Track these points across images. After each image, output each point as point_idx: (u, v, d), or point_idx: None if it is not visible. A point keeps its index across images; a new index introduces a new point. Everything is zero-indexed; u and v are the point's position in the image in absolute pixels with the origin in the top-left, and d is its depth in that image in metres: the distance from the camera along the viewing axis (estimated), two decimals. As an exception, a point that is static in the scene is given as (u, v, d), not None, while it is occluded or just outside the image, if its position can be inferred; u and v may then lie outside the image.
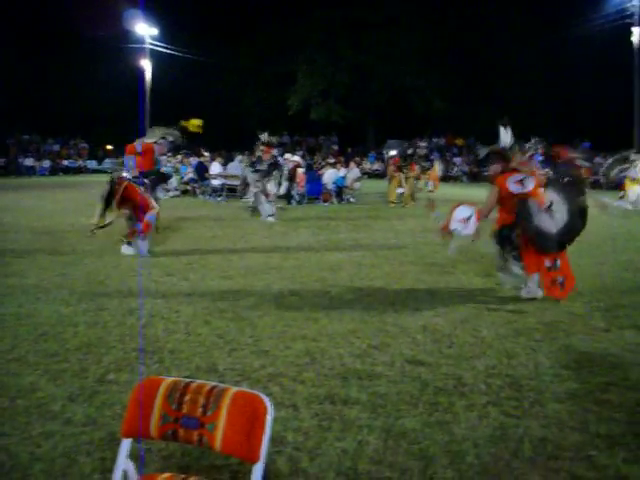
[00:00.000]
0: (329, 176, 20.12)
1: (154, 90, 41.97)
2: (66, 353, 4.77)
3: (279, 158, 14.60)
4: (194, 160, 24.54)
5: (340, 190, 19.83)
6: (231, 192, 20.25)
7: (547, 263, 6.61)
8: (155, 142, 9.99)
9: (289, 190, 18.61)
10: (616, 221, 13.98)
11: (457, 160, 41.09)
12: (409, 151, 21.61)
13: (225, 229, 12.42)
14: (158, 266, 8.24)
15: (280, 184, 14.51)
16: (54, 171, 39.08)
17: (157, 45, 42.08)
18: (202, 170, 21.80)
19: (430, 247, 9.91)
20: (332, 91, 47.03)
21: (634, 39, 30.68)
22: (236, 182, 20.02)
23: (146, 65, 41.66)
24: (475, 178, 35.97)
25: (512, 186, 6.64)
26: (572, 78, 41.08)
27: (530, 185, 6.62)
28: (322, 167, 23.35)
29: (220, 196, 20.18)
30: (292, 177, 19.16)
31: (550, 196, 6.71)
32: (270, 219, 13.47)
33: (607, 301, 6.61)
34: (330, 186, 19.76)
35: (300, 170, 19.85)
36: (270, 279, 7.55)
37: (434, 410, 3.85)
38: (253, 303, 6.31)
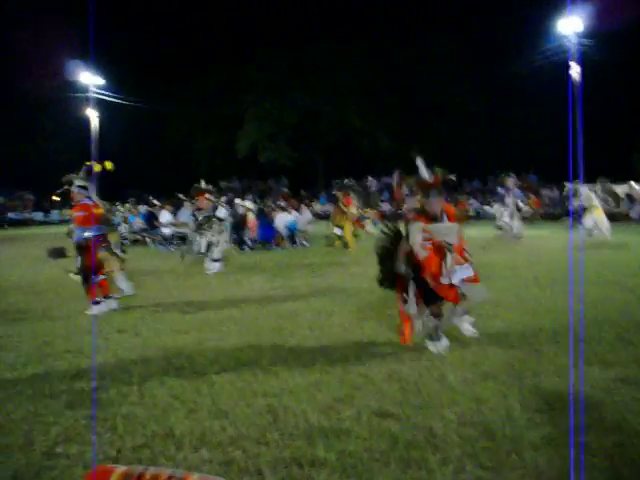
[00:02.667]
0: (281, 220, 19.99)
1: (103, 139, 41.61)
2: (10, 425, 4.44)
3: (221, 208, 13.80)
4: (143, 208, 24.19)
5: (293, 234, 19.68)
6: (182, 240, 19.95)
7: None
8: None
9: (241, 236, 18.41)
10: (564, 252, 14.16)
11: (407, 199, 41.38)
12: (346, 181, 21.26)
13: (177, 280, 12.11)
14: (108, 322, 7.90)
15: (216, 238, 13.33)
16: (2, 224, 38.18)
17: (103, 94, 41.81)
18: (151, 219, 21.45)
19: (388, 292, 9.74)
20: (280, 133, 47.22)
21: (572, 73, 31.56)
22: (187, 230, 19.74)
23: (92, 114, 41.29)
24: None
25: None
26: (516, 112, 42.20)
27: None
28: (273, 211, 23.26)
29: (171, 245, 19.84)
30: (243, 223, 18.98)
31: None
32: (213, 270, 12.96)
33: (569, 336, 6.52)
34: (282, 230, 19.61)
35: (251, 215, 19.69)
36: (226, 331, 7.28)
37: (407, 467, 3.65)
38: (210, 359, 6.03)
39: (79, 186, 8.95)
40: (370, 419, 4.40)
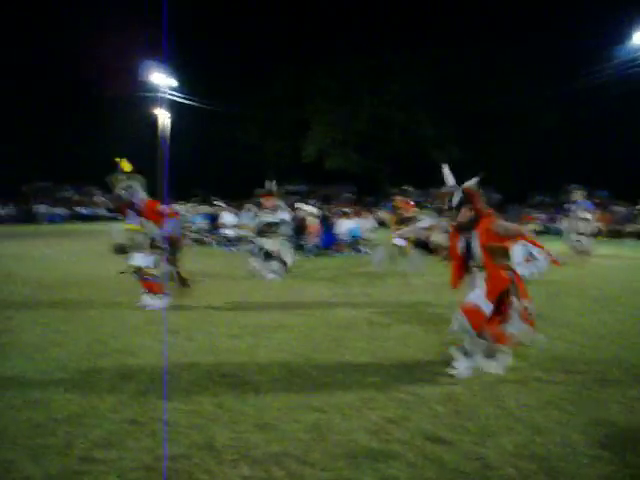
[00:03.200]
0: (343, 226, 19.79)
1: (172, 139, 42.30)
2: (53, 425, 4.36)
3: (283, 213, 13.24)
4: (207, 209, 24.36)
5: (355, 241, 19.44)
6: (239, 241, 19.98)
7: None
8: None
9: (301, 241, 18.25)
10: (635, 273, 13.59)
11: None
12: (404, 187, 20.26)
13: (236, 281, 12.02)
14: (162, 322, 7.81)
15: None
16: (71, 218, 39.30)
17: (175, 95, 42.46)
18: (215, 219, 21.58)
19: (447, 306, 9.45)
20: (349, 139, 47.08)
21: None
22: (248, 232, 19.66)
23: (164, 115, 41.95)
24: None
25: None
26: (588, 126, 41.14)
27: None
28: (337, 217, 23.10)
29: (234, 246, 19.87)
30: (303, 227, 18.80)
31: None
32: (271, 276, 12.52)
33: (640, 365, 6.13)
34: (345, 237, 19.40)
35: (313, 220, 19.51)
36: (280, 338, 7.11)
37: (456, 500, 3.41)
38: (259, 366, 5.86)
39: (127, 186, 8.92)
40: (422, 443, 4.16)
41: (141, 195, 8.90)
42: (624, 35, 32.40)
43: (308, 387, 5.27)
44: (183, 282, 9.41)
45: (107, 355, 6.22)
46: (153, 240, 8.85)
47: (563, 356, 6.46)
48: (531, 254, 5.97)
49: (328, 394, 5.10)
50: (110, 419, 4.48)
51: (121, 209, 9.09)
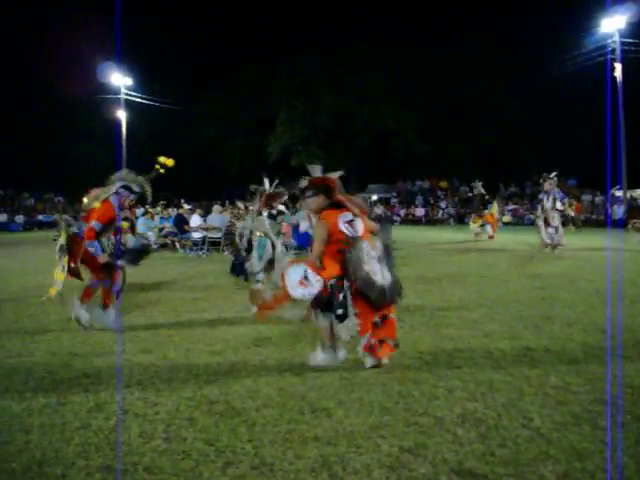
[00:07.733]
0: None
1: (131, 140, 41.33)
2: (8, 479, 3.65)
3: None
4: (173, 212, 23.58)
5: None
6: (213, 245, 19.22)
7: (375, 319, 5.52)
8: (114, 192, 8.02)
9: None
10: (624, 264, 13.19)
11: (442, 203, 40.42)
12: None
13: (209, 290, 11.22)
14: (134, 340, 7.05)
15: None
16: (29, 226, 38.03)
17: (133, 95, 41.49)
18: (181, 222, 20.77)
19: (442, 304, 8.91)
20: (312, 136, 46.57)
21: (617, 74, 30.34)
22: (218, 234, 18.75)
23: (122, 116, 40.97)
24: (462, 221, 35.27)
25: (343, 226, 5.50)
26: (554, 115, 41.09)
27: (360, 228, 5.56)
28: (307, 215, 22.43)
29: (201, 250, 19.13)
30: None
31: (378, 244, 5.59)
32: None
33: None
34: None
35: (284, 220, 18.80)
36: (265, 353, 6.40)
37: None
38: (248, 388, 5.17)
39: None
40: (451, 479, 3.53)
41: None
42: (588, 25, 32.35)
43: (306, 412, 4.60)
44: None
45: (72, 382, 5.40)
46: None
47: (578, 359, 5.91)
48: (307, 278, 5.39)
49: (331, 421, 4.44)
50: (79, 467, 3.74)
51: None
